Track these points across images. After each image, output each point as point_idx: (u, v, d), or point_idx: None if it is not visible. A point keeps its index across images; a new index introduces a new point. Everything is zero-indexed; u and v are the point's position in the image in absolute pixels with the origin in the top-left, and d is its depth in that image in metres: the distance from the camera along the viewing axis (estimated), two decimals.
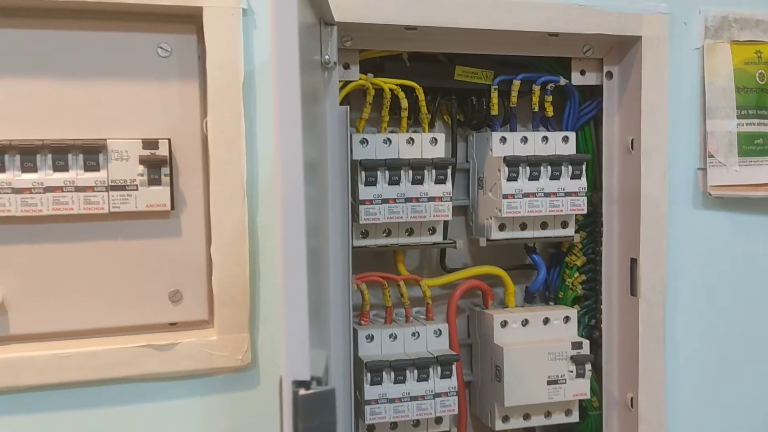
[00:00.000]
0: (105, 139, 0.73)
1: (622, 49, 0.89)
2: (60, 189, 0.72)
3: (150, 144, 0.74)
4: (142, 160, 0.74)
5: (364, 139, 0.83)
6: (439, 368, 0.83)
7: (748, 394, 0.94)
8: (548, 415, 0.90)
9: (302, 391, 0.40)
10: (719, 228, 0.91)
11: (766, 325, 0.94)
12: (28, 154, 0.71)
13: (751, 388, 0.95)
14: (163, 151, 0.74)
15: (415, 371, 0.83)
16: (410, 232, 0.86)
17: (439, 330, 0.87)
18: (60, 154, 0.72)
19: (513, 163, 0.85)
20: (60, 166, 0.72)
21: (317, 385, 0.41)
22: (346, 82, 0.82)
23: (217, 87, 0.73)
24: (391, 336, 0.85)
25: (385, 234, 0.85)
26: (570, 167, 0.87)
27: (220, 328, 0.75)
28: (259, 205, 0.76)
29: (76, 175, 0.72)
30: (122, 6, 0.71)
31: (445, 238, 0.88)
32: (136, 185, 0.74)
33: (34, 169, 0.71)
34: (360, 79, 0.83)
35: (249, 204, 0.75)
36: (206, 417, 0.76)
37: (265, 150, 0.76)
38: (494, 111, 0.89)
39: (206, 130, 0.75)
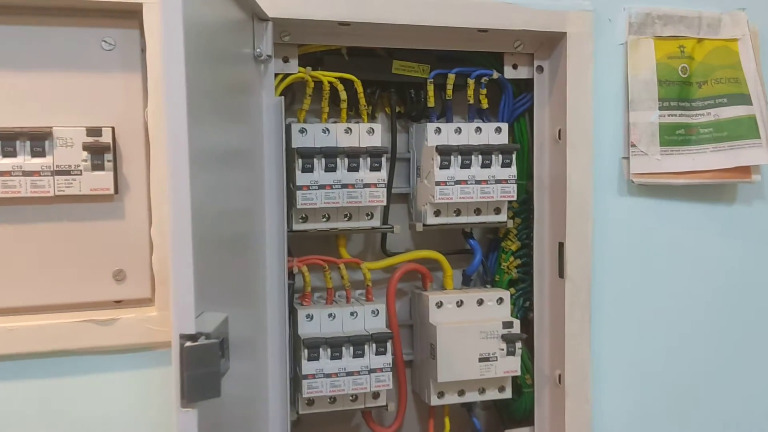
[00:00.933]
0: (51, 127, 0.78)
1: (551, 44, 0.93)
2: (8, 173, 0.77)
3: (94, 131, 0.79)
4: (86, 147, 0.78)
5: (303, 128, 0.87)
6: (374, 345, 0.88)
7: (670, 367, 0.99)
8: (482, 391, 0.95)
9: (188, 344, 0.45)
10: (642, 213, 0.96)
11: (686, 302, 0.99)
12: None
13: (673, 362, 1.00)
14: (106, 138, 0.79)
15: (351, 348, 0.87)
16: (349, 217, 0.91)
17: (377, 310, 0.92)
18: (8, 140, 0.77)
19: (445, 152, 0.90)
20: (8, 152, 0.77)
21: (205, 339, 0.46)
22: (285, 75, 0.87)
23: (156, 78, 0.78)
24: (330, 315, 0.90)
25: (324, 219, 0.90)
26: (500, 156, 0.92)
27: (160, 305, 0.80)
28: None
29: (24, 160, 0.77)
30: (68, 2, 0.76)
31: (384, 223, 0.93)
32: (81, 170, 0.79)
33: None
34: (299, 72, 0.88)
35: None
36: (145, 388, 0.81)
37: None
38: (431, 103, 0.94)
39: (147, 118, 0.80)
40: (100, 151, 0.79)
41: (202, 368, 0.45)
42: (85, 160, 0.79)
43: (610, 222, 0.95)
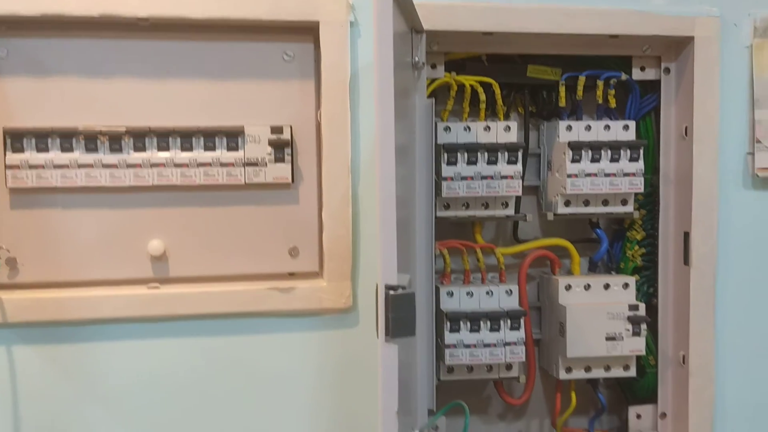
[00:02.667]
0: (242, 126, 0.93)
1: (678, 48, 1.00)
2: (209, 164, 0.93)
3: (276, 130, 0.94)
4: (271, 143, 0.93)
5: (447, 126, 0.99)
6: (509, 321, 0.98)
7: None
8: (607, 368, 1.03)
9: (392, 292, 0.57)
10: (766, 205, 1.01)
11: None
12: (187, 138, 0.92)
13: None
14: (286, 135, 0.94)
15: (488, 322, 0.98)
16: (486, 206, 1.01)
17: (511, 290, 1.01)
18: (209, 137, 0.93)
19: (576, 147, 0.99)
20: (209, 147, 0.93)
21: (402, 290, 0.58)
22: (433, 80, 0.99)
23: (329, 85, 0.92)
24: (468, 293, 1.01)
25: (464, 207, 1.01)
26: (629, 151, 1.00)
27: (329, 277, 0.94)
28: (360, 180, 0.95)
29: (221, 154, 0.93)
30: (256, 22, 0.91)
31: (517, 212, 1.03)
32: (266, 162, 0.94)
33: (190, 149, 0.92)
34: (445, 77, 0.99)
35: (352, 178, 0.94)
36: (317, 347, 0.95)
37: (366, 135, 0.94)
38: (562, 103, 1.03)
39: (320, 119, 0.94)
40: (281, 146, 0.94)
41: (403, 312, 0.57)
42: (270, 154, 0.93)
43: (734, 213, 1.00)
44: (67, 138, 0.89)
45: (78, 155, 0.90)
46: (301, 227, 0.96)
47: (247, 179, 0.93)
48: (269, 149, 0.94)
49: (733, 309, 1.02)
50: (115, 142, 0.90)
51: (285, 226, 0.96)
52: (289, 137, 0.94)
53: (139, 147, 0.91)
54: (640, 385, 1.07)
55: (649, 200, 1.06)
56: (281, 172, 0.94)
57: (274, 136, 0.94)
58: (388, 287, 0.57)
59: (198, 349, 0.93)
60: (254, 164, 0.93)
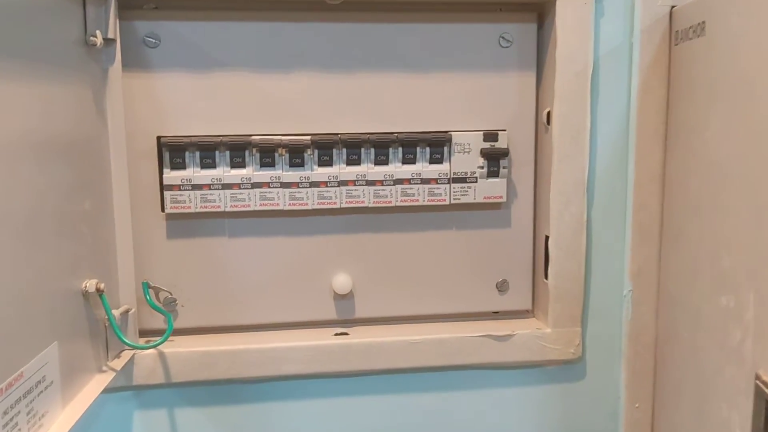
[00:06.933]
0: (449, 132, 0.74)
1: None
2: (407, 181, 0.74)
3: (490, 136, 0.74)
4: (483, 153, 0.74)
5: None
6: None
7: None
8: None
9: None
10: None
11: None
12: (382, 148, 0.73)
13: None
14: (502, 143, 0.74)
15: None
16: None
17: None
18: (409, 147, 0.73)
19: None
20: (408, 159, 0.73)
21: None
22: None
23: (565, 78, 0.72)
24: None
25: None
26: None
27: (554, 322, 0.75)
28: (594, 201, 0.75)
29: (422, 168, 0.74)
30: None
31: None
32: (476, 177, 0.74)
33: (385, 162, 0.73)
34: None
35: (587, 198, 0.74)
36: (538, 404, 0.77)
37: (605, 144, 0.74)
38: None
39: (547, 121, 0.74)
40: (496, 157, 0.74)
41: None
42: (481, 167, 0.74)
43: None
44: (238, 151, 0.71)
45: (252, 172, 0.71)
46: (513, 256, 0.78)
47: (452, 198, 0.74)
48: (481, 161, 0.74)
49: None
50: (296, 155, 0.71)
51: (493, 255, 0.78)
52: (506, 145, 0.74)
53: (325, 161, 0.72)
54: None
55: None
56: (494, 189, 0.75)
57: (487, 145, 0.74)
58: None
59: (397, 409, 0.76)
60: (462, 180, 0.74)
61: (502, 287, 0.79)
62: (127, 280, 0.69)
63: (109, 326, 0.64)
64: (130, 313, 0.69)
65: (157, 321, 0.73)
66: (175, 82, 0.70)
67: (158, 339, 0.70)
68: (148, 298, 0.71)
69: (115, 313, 0.65)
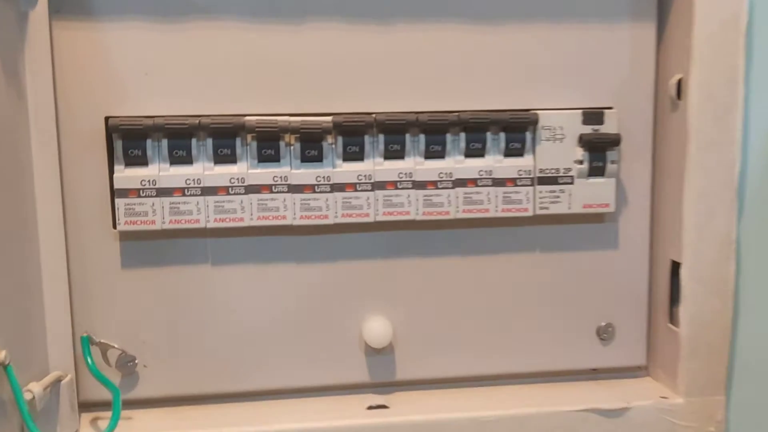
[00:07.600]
0: (533, 110, 0.51)
1: None
2: (473, 182, 0.51)
3: (593, 116, 0.51)
4: (583, 141, 0.51)
5: None
6: None
7: None
8: None
9: None
10: None
11: None
12: (436, 133, 0.50)
13: None
14: (610, 126, 0.51)
15: None
16: None
17: None
18: (475, 132, 0.50)
19: None
20: (474, 150, 0.50)
21: None
22: None
23: (706, 31, 0.49)
24: None
25: None
26: None
27: (689, 387, 0.52)
28: (745, 211, 0.51)
29: (494, 162, 0.51)
30: None
31: None
32: (572, 176, 0.51)
33: (441, 155, 0.50)
34: None
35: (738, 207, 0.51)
36: None
37: (762, 128, 0.51)
38: None
39: (677, 94, 0.50)
40: (601, 147, 0.51)
41: None
42: (580, 162, 0.51)
43: None
44: (225, 138, 0.48)
45: (245, 170, 0.48)
46: (621, 290, 0.55)
47: (537, 207, 0.51)
48: (579, 153, 0.51)
49: None
50: (310, 144, 0.48)
51: (593, 289, 0.54)
52: (616, 130, 0.51)
53: (353, 153, 0.49)
54: None
55: None
56: (598, 193, 0.52)
57: (588, 129, 0.51)
58: None
59: None
60: (551, 180, 0.51)
61: (605, 334, 0.55)
62: (60, 332, 0.46)
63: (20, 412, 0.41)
64: (63, 382, 0.46)
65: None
66: (133, 36, 0.47)
67: (109, 418, 0.47)
68: (88, 359, 0.48)
69: (34, 388, 0.42)
